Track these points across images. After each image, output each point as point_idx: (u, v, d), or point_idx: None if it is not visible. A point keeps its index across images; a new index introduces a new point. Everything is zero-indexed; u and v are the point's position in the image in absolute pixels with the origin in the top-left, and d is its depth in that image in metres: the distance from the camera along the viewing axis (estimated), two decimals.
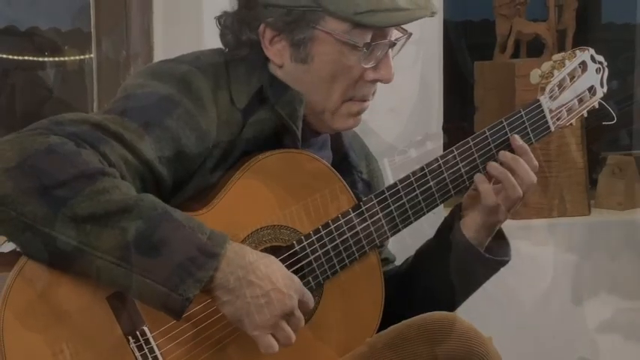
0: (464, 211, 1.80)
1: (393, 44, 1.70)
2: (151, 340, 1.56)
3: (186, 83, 1.63)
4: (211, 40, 1.84)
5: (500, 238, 1.84)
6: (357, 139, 1.90)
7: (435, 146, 2.00)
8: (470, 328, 1.64)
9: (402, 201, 1.73)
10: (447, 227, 1.83)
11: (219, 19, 1.75)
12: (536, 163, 1.77)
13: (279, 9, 1.66)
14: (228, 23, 1.73)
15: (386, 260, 1.91)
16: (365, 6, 1.63)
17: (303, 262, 1.67)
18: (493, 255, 1.81)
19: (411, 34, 1.73)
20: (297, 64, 1.69)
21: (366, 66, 1.68)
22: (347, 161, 1.82)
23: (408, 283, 1.84)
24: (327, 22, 1.65)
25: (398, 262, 1.95)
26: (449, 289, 1.80)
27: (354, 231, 1.70)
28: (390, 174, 1.85)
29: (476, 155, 1.76)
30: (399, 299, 1.78)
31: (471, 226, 1.79)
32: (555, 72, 1.81)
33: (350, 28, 1.65)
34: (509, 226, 2.87)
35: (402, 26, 1.72)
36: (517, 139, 1.77)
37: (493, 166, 1.76)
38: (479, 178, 1.76)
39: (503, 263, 1.83)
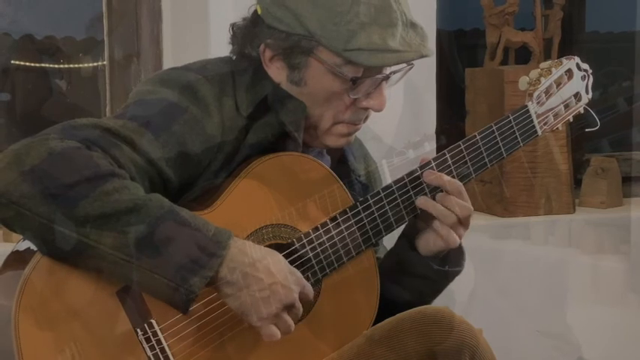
0: (419, 228, 1.77)
1: (386, 78, 1.68)
2: (159, 332, 1.55)
3: (193, 90, 1.62)
4: (217, 47, 1.83)
5: (459, 248, 1.80)
6: (355, 142, 1.89)
7: (428, 148, 1.98)
8: (461, 321, 1.64)
9: (397, 201, 1.72)
10: (405, 239, 1.80)
11: (232, 26, 1.74)
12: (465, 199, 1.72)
13: (279, 32, 1.65)
14: (237, 33, 1.73)
15: (378, 259, 1.90)
16: (355, 43, 1.61)
17: (303, 259, 1.66)
18: (449, 265, 1.79)
19: (412, 66, 1.70)
20: (292, 85, 1.68)
21: (353, 97, 1.67)
22: (345, 164, 1.80)
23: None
24: (321, 51, 1.64)
25: None
26: (410, 296, 1.77)
27: (351, 230, 1.70)
28: (388, 175, 1.84)
29: (467, 158, 1.75)
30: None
31: (425, 242, 1.76)
32: (542, 79, 1.80)
33: (341, 61, 1.63)
34: (499, 224, 2.90)
35: None
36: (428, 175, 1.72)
37: (420, 201, 1.72)
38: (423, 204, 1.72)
39: (457, 273, 1.81)
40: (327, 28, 1.61)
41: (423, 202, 1.72)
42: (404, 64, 1.68)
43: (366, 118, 1.73)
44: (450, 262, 1.79)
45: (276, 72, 1.69)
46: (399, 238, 1.82)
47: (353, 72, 1.64)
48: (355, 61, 1.62)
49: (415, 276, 1.77)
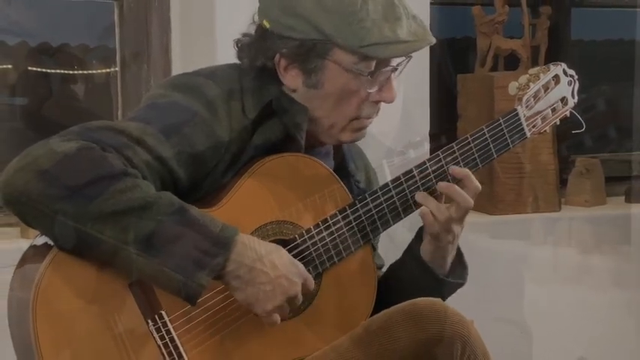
0: (423, 235, 1.78)
1: (395, 69, 1.70)
2: (168, 323, 1.56)
3: (203, 94, 1.63)
4: (223, 55, 1.83)
5: (460, 261, 1.81)
6: (356, 151, 1.89)
7: (422, 150, 1.99)
8: (454, 312, 1.64)
9: (393, 199, 1.72)
10: (412, 247, 1.81)
11: (237, 42, 1.74)
12: (477, 184, 1.74)
13: (293, 40, 1.65)
14: (244, 48, 1.73)
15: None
16: (369, 39, 1.62)
17: (305, 254, 1.67)
18: (452, 276, 1.79)
19: (411, 57, 1.71)
20: (309, 89, 1.68)
21: (370, 91, 1.67)
22: (345, 169, 1.81)
23: (385, 292, 1.81)
24: (336, 52, 1.64)
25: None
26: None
27: (350, 226, 1.70)
28: (388, 174, 1.84)
29: (459, 158, 1.75)
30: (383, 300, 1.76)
31: (427, 249, 1.77)
32: (531, 84, 1.81)
33: (357, 58, 1.64)
34: (488, 222, 2.90)
35: None
36: (454, 170, 1.74)
37: (442, 186, 1.73)
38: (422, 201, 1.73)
39: (460, 285, 1.81)
40: (342, 29, 1.62)
41: (445, 186, 1.72)
42: (403, 57, 1.70)
43: (377, 112, 1.74)
44: (453, 274, 1.80)
45: (292, 79, 1.69)
46: (405, 251, 1.83)
47: (367, 67, 1.65)
48: (372, 56, 1.63)
49: (418, 285, 1.77)
